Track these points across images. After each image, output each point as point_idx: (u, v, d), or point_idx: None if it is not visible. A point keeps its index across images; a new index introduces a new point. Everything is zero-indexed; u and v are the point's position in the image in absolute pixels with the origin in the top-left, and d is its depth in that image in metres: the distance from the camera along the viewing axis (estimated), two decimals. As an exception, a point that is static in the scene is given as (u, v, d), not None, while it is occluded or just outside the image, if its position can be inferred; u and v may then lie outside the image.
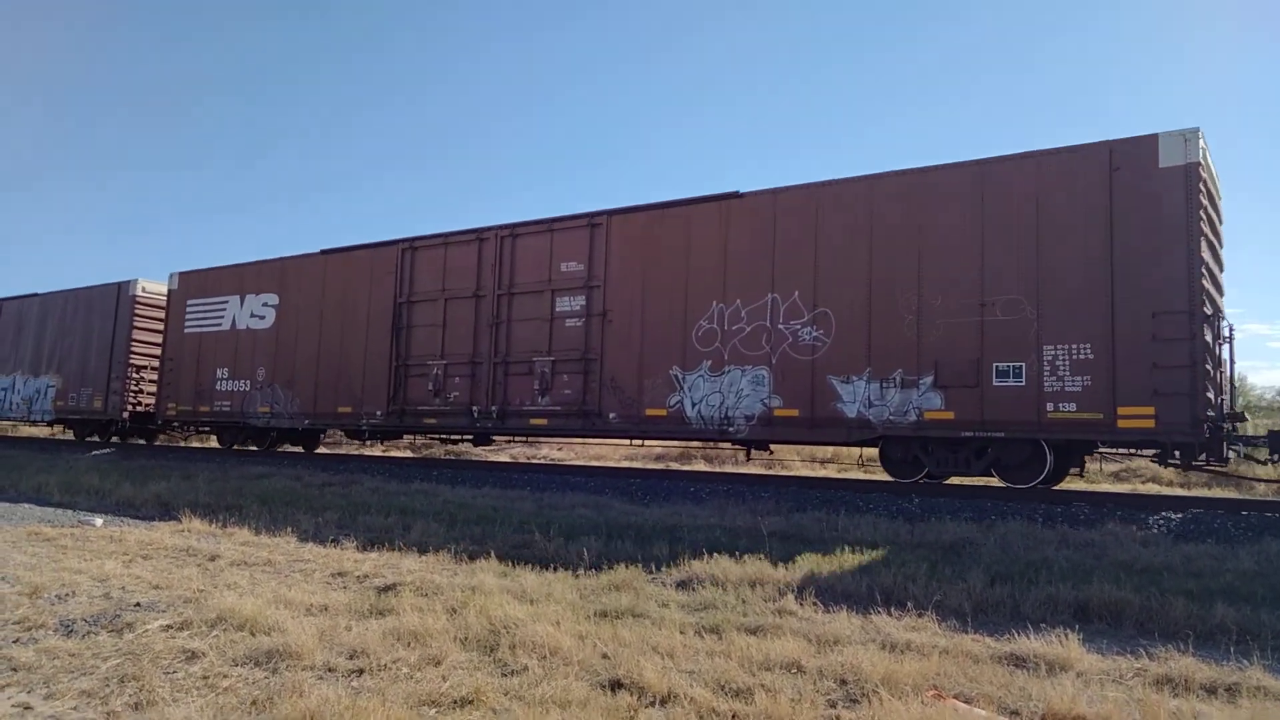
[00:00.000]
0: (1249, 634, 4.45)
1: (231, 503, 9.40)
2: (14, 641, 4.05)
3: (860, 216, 10.60)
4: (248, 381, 16.71)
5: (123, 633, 4.22)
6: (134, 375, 19.35)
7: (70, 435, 22.73)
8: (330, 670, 3.70)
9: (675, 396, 11.75)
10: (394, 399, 14.54)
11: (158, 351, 19.12)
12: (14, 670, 3.62)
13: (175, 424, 19.04)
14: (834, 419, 10.54)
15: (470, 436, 15.41)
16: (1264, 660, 3.91)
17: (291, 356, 16.07)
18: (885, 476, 11.34)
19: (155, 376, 19.16)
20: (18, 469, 13.36)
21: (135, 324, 19.42)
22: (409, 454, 20.35)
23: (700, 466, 17.56)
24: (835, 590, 5.47)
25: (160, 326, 19.17)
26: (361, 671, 3.67)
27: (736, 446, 12.51)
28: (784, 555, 6.53)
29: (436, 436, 16.50)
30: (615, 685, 3.52)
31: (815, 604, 5.04)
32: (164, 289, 19.16)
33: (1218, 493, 13.17)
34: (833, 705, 3.39)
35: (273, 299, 16.70)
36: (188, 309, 18.16)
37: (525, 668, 3.71)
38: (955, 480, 10.92)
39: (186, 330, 18.08)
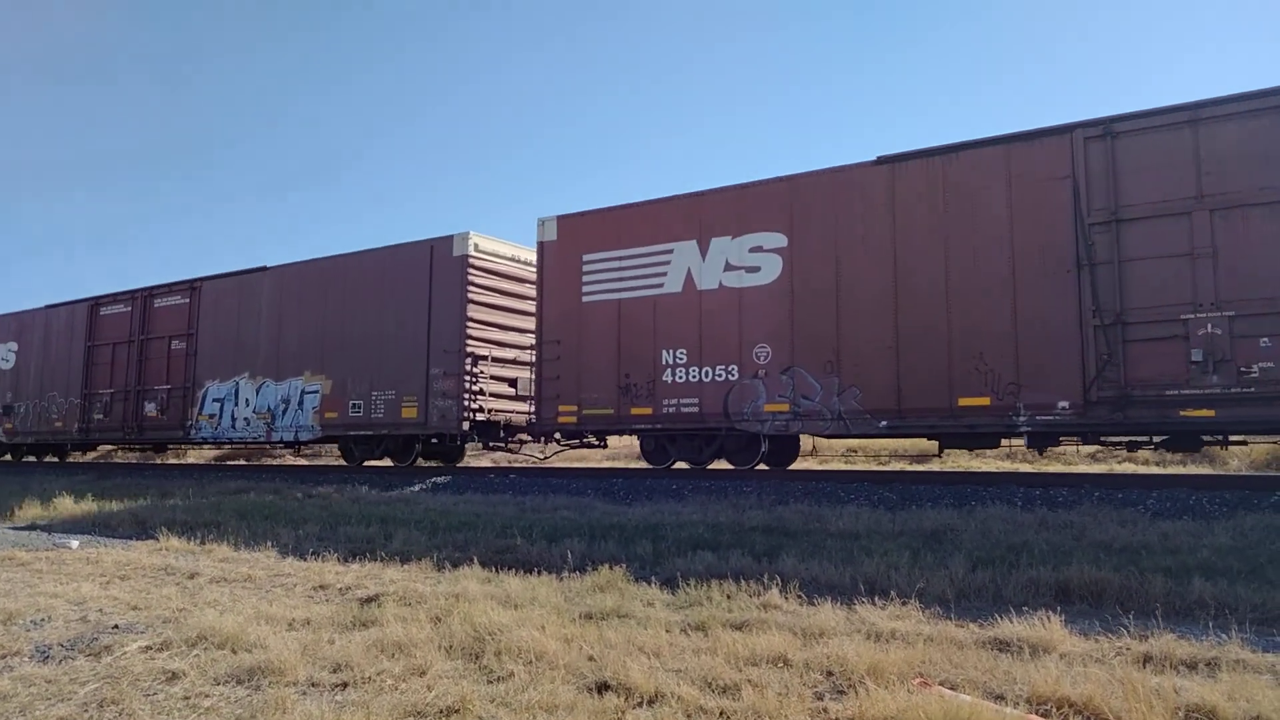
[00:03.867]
0: (1227, 608, 4.53)
1: (210, 519, 9.28)
2: (-12, 670, 3.97)
3: None
4: (733, 367, 11.68)
5: (101, 656, 4.15)
6: (471, 370, 14.07)
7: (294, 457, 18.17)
8: (314, 685, 3.65)
9: None
10: (1100, 380, 9.32)
11: (500, 336, 14.64)
12: (-12, 700, 3.55)
13: (586, 434, 13.63)
14: None
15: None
16: (1242, 634, 3.97)
17: (829, 324, 10.98)
18: (866, 466, 11.34)
19: (500, 371, 14.56)
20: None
21: (469, 296, 14.18)
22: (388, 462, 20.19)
23: (682, 464, 17.58)
24: (819, 582, 5.50)
25: (506, 300, 14.75)
26: (345, 685, 3.63)
27: None
28: (767, 549, 6.56)
29: (1157, 444, 9.94)
30: (602, 687, 3.50)
31: (800, 597, 5.06)
32: (506, 248, 14.91)
33: (1192, 469, 13.38)
34: (820, 697, 3.40)
35: (774, 239, 11.52)
36: (585, 267, 13.07)
37: (511, 674, 3.69)
38: (935, 466, 10.98)
39: (586, 299, 12.99)
